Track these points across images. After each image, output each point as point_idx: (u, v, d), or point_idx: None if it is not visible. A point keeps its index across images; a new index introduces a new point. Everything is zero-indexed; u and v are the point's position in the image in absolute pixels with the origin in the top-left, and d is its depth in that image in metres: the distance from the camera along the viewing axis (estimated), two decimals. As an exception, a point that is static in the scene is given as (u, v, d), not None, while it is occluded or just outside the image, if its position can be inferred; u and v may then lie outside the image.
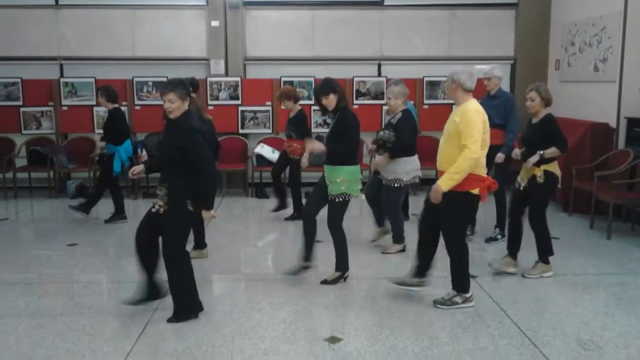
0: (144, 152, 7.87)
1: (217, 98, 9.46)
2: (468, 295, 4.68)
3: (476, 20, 9.83)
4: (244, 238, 6.98)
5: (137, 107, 9.41)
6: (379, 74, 9.81)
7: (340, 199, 5.08)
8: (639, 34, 7.35)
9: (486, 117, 4.48)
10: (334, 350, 3.98)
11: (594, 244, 6.52)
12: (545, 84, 9.63)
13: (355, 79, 9.49)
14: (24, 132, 9.46)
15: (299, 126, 7.37)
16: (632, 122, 7.40)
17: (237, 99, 9.49)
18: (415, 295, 4.88)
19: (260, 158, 9.19)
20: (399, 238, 6.14)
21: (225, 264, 5.93)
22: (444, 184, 4.40)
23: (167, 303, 4.62)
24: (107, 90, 7.25)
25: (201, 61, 9.75)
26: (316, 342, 4.10)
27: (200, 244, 5.98)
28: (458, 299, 4.66)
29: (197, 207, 4.29)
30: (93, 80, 9.37)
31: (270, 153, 9.17)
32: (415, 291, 4.83)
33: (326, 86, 5.10)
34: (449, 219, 4.54)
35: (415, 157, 6.03)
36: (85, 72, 9.54)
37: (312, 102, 9.30)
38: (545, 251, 5.43)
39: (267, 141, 9.40)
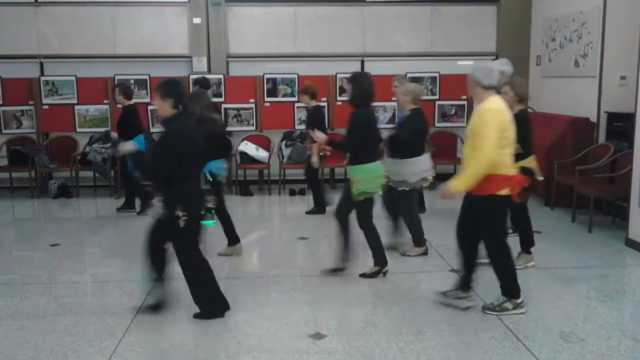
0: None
1: (200, 95, 9.40)
2: (519, 300, 4.47)
3: (458, 16, 9.87)
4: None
5: (119, 106, 9.32)
6: (362, 70, 9.81)
7: (361, 199, 5.08)
8: (619, 30, 7.42)
9: (507, 115, 4.25)
10: (319, 346, 3.99)
11: (576, 237, 6.59)
12: (527, 80, 9.75)
13: (338, 75, 9.49)
14: (4, 131, 9.35)
15: (308, 124, 7.44)
16: (612, 117, 7.48)
17: (220, 96, 9.45)
18: (400, 290, 4.90)
19: (244, 156, 9.17)
20: (419, 241, 5.94)
21: (210, 262, 5.89)
22: (457, 184, 4.29)
23: (151, 302, 4.60)
24: (125, 88, 7.69)
25: (183, 58, 9.70)
26: (301, 338, 4.10)
27: (231, 241, 6.00)
28: (508, 305, 4.46)
29: (190, 209, 4.25)
30: (74, 78, 9.28)
31: (254, 150, 9.16)
32: (461, 307, 4.57)
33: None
34: (481, 225, 4.42)
35: (423, 158, 5.76)
36: (66, 70, 9.45)
37: (295, 99, 9.34)
38: (528, 242, 5.51)
39: (251, 139, 9.38)
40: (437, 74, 9.61)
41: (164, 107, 4.25)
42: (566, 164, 7.46)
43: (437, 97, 9.61)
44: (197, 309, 4.44)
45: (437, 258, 5.84)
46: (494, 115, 4.18)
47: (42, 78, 9.37)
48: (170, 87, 4.31)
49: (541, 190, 7.77)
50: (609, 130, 7.54)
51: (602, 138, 7.65)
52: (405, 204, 5.83)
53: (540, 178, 5.57)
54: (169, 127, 4.27)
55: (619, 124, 7.32)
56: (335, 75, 9.48)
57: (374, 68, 9.64)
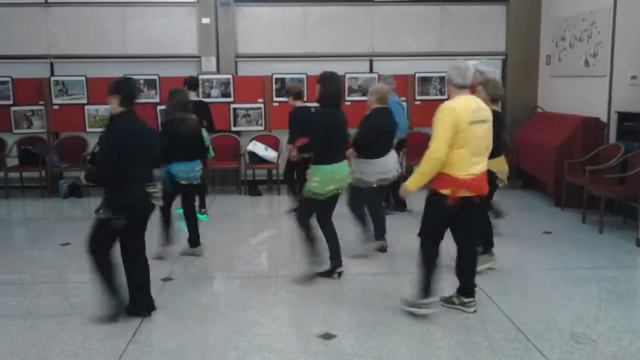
0: None
1: (208, 95, 9.43)
2: (424, 300, 4.41)
3: (467, 15, 9.83)
4: (238, 236, 6.96)
5: (120, 105, 9.33)
6: (371, 70, 9.80)
7: (306, 196, 5.07)
8: (629, 29, 7.38)
9: (468, 115, 4.16)
10: (328, 346, 3.99)
11: (587, 238, 6.55)
12: (536, 79, 9.73)
13: (347, 75, 9.48)
14: (14, 131, 9.40)
15: (289, 126, 7.43)
16: (623, 116, 7.43)
17: (229, 96, 9.46)
18: (409, 291, 4.89)
19: (253, 156, 9.18)
20: (367, 236, 5.95)
21: (218, 262, 5.92)
22: (410, 182, 4.33)
23: (161, 302, 4.62)
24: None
25: (192, 58, 9.71)
26: (310, 338, 4.11)
27: (192, 242, 6.00)
28: (413, 302, 4.49)
29: (130, 213, 4.28)
30: (84, 78, 9.32)
31: (263, 150, 9.16)
32: (465, 311, 4.51)
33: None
34: (422, 218, 4.44)
35: (381, 160, 5.71)
36: (76, 70, 9.49)
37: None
38: (487, 243, 5.44)
39: (260, 138, 9.38)
40: (446, 74, 9.55)
41: (111, 104, 4.32)
42: (576, 164, 7.42)
43: (446, 97, 9.55)
44: (207, 309, 4.46)
45: (445, 259, 5.81)
46: (447, 114, 4.17)
47: (52, 78, 9.41)
48: (119, 85, 4.36)
49: (551, 190, 7.74)
50: (619, 130, 7.49)
51: (612, 138, 7.60)
52: (352, 199, 5.84)
53: (501, 184, 5.45)
54: (109, 125, 4.35)
55: (630, 123, 7.28)
56: (344, 75, 9.46)
57: (382, 68, 9.66)
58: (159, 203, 4.52)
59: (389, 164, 5.81)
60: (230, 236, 6.84)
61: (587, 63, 8.18)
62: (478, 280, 4.71)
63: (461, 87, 4.31)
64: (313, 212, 5.16)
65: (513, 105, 9.75)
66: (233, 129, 9.53)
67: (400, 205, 7.69)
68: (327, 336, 4.13)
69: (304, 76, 9.41)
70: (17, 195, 9.12)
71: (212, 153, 7.75)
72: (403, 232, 6.38)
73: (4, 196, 8.97)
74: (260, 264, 6.05)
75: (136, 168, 4.27)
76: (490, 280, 5.23)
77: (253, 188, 9.19)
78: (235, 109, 9.50)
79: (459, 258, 4.58)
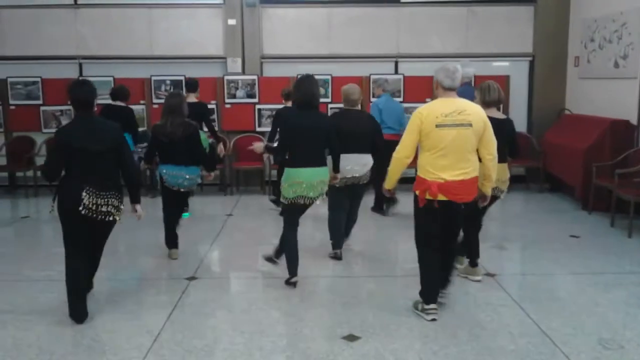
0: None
1: (234, 96, 9.49)
2: (427, 306, 4.40)
3: (494, 16, 9.75)
4: (262, 236, 6.99)
5: (155, 106, 9.46)
6: (396, 72, 9.77)
7: (284, 202, 5.09)
8: (661, 30, 7.25)
9: (440, 119, 4.10)
10: (353, 348, 3.98)
11: (615, 242, 6.44)
12: (564, 81, 9.59)
13: (372, 76, 9.46)
14: (44, 130, 9.57)
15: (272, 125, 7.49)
16: (654, 119, 7.31)
17: (254, 97, 9.51)
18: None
19: (277, 156, 9.20)
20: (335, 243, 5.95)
21: (243, 262, 5.95)
22: (385, 181, 4.56)
23: (186, 300, 4.65)
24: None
25: (218, 59, 9.78)
26: (334, 340, 4.10)
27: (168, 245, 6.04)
28: (419, 305, 4.50)
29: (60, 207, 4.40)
30: (111, 79, 9.44)
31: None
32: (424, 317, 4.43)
33: None
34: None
35: (347, 157, 5.49)
36: (104, 71, 9.63)
37: (328, 100, 9.34)
38: (471, 254, 5.30)
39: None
40: (471, 75, 9.49)
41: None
42: (605, 167, 7.32)
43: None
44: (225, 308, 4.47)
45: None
46: (413, 117, 4.23)
47: (81, 79, 9.53)
48: (69, 88, 4.47)
49: (578, 193, 7.63)
50: (649, 133, 7.37)
51: (642, 141, 7.48)
52: (328, 202, 5.81)
53: (500, 195, 5.20)
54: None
55: (661, 126, 7.15)
56: (369, 77, 9.45)
57: (408, 69, 9.64)
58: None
59: (351, 163, 5.60)
60: (254, 236, 6.87)
61: (616, 65, 8.05)
62: (507, 283, 4.65)
63: (448, 89, 4.25)
64: (288, 214, 5.16)
65: (540, 107, 9.66)
66: (258, 129, 9.57)
67: (379, 208, 7.69)
68: (351, 338, 4.12)
69: (328, 77, 9.42)
70: (46, 194, 9.25)
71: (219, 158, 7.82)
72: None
73: (32, 194, 9.13)
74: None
75: (76, 168, 4.34)
76: (517, 284, 5.17)
77: (276, 189, 9.19)
78: (260, 110, 9.54)
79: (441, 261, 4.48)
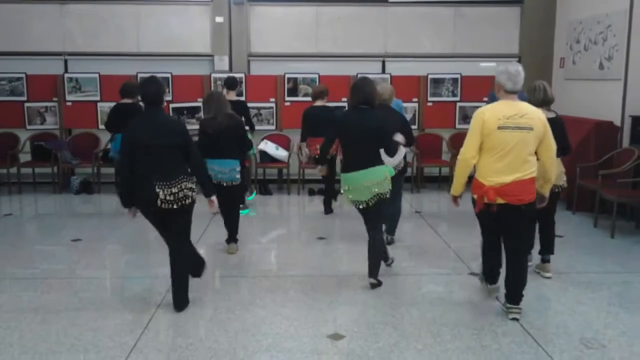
0: None
1: (221, 94, 9.45)
2: (490, 285, 4.81)
3: (481, 17, 9.80)
4: (248, 234, 6.97)
5: (142, 103, 9.36)
6: (383, 71, 9.79)
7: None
8: (645, 32, 7.33)
9: (502, 121, 4.11)
10: (337, 347, 3.98)
11: (598, 242, 6.50)
12: (550, 82, 9.65)
13: (360, 75, 9.45)
14: (28, 127, 9.48)
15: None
16: (637, 121, 7.37)
17: (241, 95, 9.48)
18: (419, 292, 4.89)
19: (263, 155, 9.19)
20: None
21: (228, 261, 5.93)
22: (452, 188, 4.53)
23: (170, 299, 4.63)
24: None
25: (205, 57, 9.75)
26: (319, 339, 4.10)
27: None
28: (483, 280, 4.92)
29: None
30: (97, 75, 9.37)
31: (274, 150, 9.17)
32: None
33: None
34: None
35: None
36: (90, 67, 9.55)
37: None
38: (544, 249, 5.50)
39: (271, 138, 9.39)
40: (458, 76, 9.54)
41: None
42: (589, 167, 7.38)
43: (458, 98, 9.54)
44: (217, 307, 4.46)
45: (456, 261, 5.81)
46: (475, 117, 4.25)
47: (66, 75, 9.48)
48: (141, 84, 4.72)
49: (563, 194, 7.67)
50: (633, 134, 7.43)
51: (626, 142, 7.55)
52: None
53: (558, 190, 5.34)
54: None
55: (644, 128, 7.22)
56: (357, 76, 9.45)
57: (395, 69, 9.65)
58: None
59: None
60: (241, 234, 6.84)
61: (601, 66, 8.12)
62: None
63: (510, 92, 4.23)
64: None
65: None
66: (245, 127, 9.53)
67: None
68: (336, 336, 4.13)
69: (316, 76, 9.41)
70: (29, 191, 9.18)
71: (254, 150, 8.04)
72: (415, 233, 6.37)
73: (16, 192, 9.05)
74: (270, 263, 6.06)
75: None
76: (500, 283, 5.19)
77: (264, 187, 9.20)
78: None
79: (506, 265, 4.50)
